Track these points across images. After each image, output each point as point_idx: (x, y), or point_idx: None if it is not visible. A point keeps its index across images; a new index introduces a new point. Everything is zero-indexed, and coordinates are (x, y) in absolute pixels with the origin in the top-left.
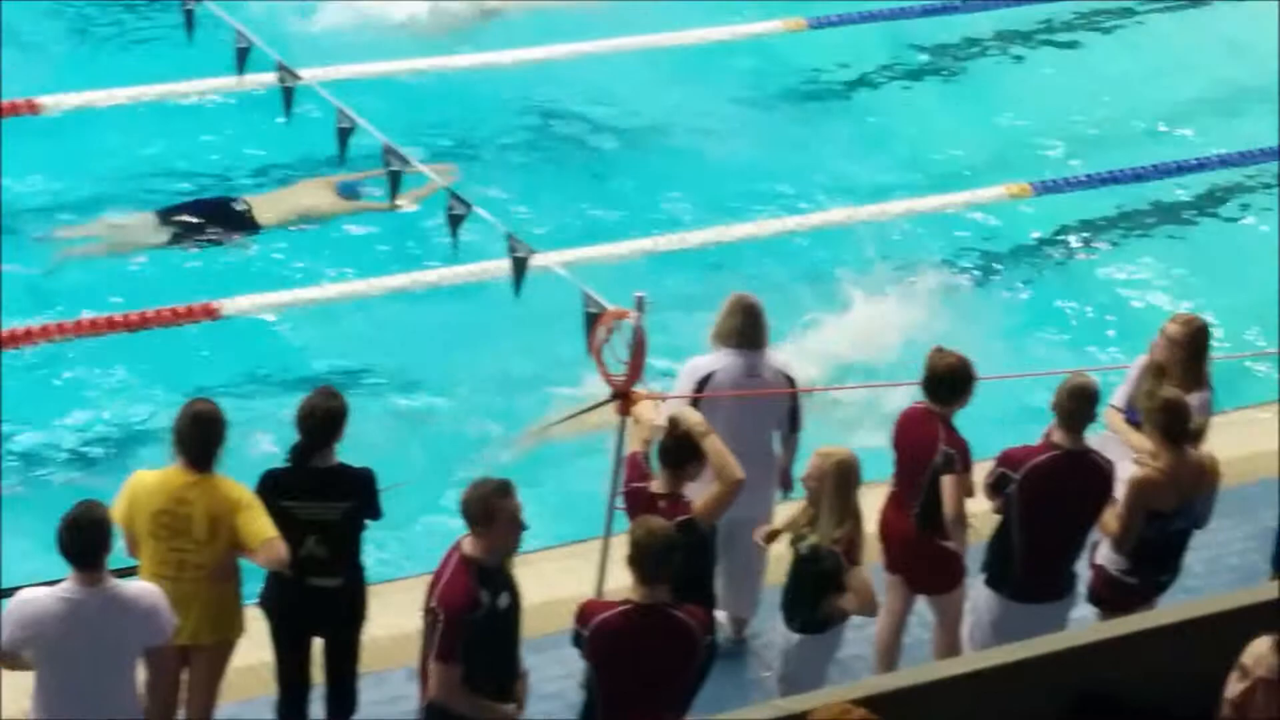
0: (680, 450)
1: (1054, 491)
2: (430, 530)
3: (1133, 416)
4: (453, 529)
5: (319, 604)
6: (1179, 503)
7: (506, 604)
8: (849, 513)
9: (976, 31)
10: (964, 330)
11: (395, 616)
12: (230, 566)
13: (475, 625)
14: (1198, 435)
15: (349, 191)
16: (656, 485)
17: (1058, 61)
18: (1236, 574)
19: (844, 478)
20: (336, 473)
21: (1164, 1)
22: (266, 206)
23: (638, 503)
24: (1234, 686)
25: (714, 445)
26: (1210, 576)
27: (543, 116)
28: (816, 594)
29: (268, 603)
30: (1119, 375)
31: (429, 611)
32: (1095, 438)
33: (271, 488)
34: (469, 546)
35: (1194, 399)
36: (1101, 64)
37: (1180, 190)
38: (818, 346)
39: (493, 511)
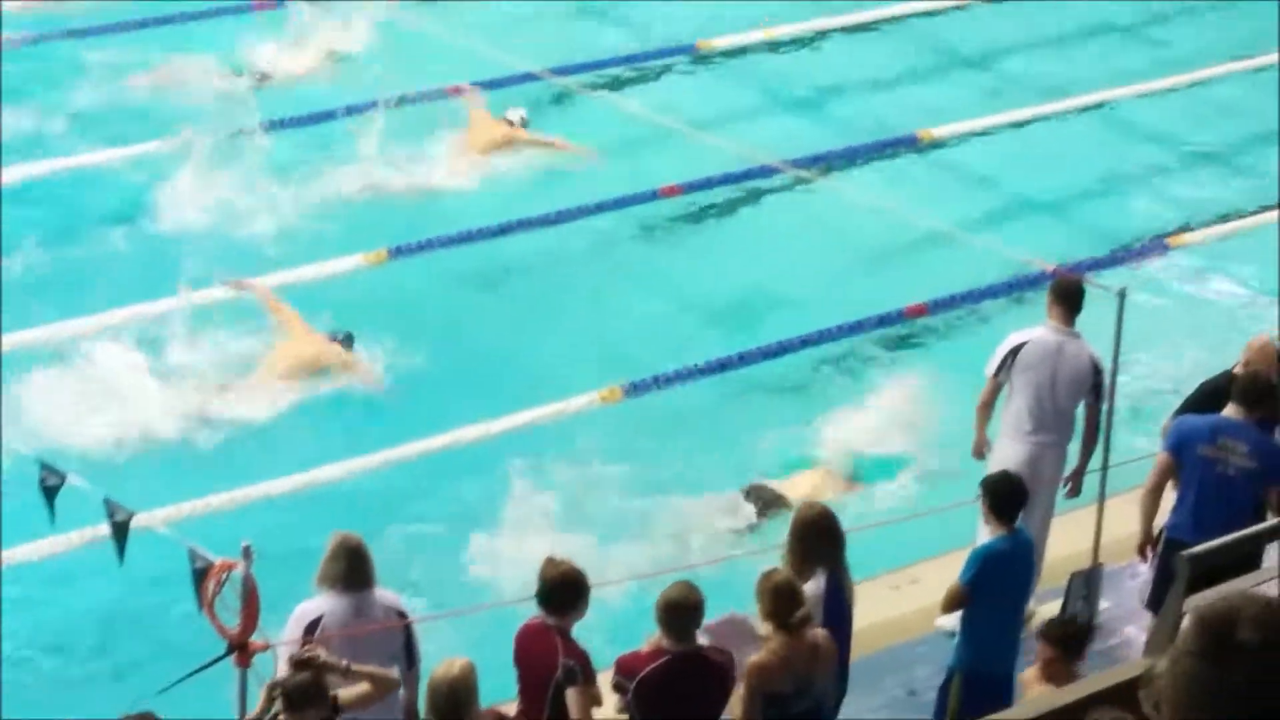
0: (300, 694)
1: (669, 697)
2: None
3: None
4: None
5: None
6: (796, 683)
7: None
8: None
9: (551, 247)
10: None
11: None
12: None
13: None
14: (806, 619)
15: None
16: None
17: (646, 264)
18: None
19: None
20: None
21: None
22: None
23: None
24: None
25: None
26: None
27: None
28: None
29: None
30: None
31: None
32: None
33: None
34: None
35: (810, 586)
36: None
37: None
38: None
39: None
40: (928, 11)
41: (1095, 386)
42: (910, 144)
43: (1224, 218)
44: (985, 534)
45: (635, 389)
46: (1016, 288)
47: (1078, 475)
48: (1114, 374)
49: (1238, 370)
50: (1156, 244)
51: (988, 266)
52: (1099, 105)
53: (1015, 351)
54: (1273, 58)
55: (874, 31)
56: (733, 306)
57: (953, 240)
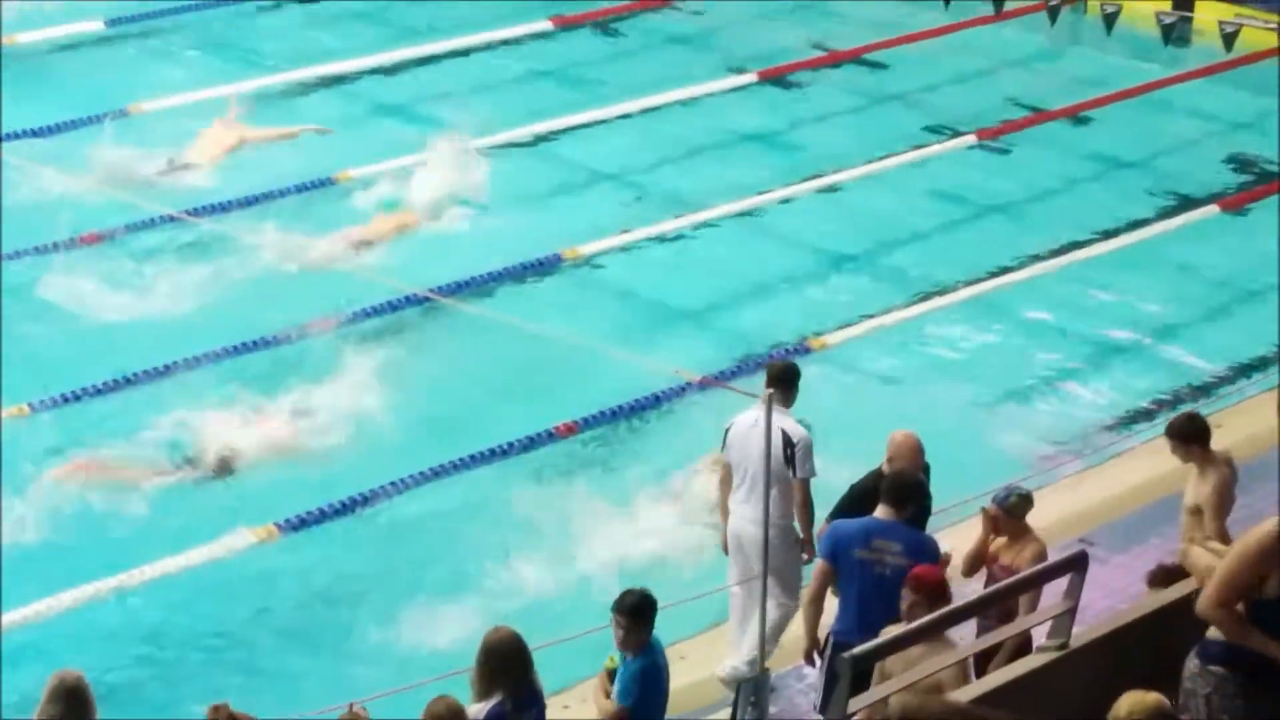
0: None
1: None
2: None
3: None
4: None
5: None
6: None
7: None
8: None
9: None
10: None
11: None
12: None
13: None
14: None
15: None
16: None
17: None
18: None
19: None
20: None
21: None
22: None
23: None
24: None
25: None
26: None
27: None
28: None
29: None
30: None
31: None
32: None
33: None
34: None
35: (473, 709)
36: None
37: None
38: None
39: None
40: (564, 129)
41: (789, 458)
42: (555, 263)
43: (865, 316)
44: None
45: (291, 526)
46: (666, 399)
47: (805, 546)
48: (766, 480)
49: (884, 468)
50: (799, 346)
51: (639, 380)
52: (736, 214)
53: (727, 431)
54: (905, 158)
55: (512, 151)
56: (390, 436)
57: (601, 356)
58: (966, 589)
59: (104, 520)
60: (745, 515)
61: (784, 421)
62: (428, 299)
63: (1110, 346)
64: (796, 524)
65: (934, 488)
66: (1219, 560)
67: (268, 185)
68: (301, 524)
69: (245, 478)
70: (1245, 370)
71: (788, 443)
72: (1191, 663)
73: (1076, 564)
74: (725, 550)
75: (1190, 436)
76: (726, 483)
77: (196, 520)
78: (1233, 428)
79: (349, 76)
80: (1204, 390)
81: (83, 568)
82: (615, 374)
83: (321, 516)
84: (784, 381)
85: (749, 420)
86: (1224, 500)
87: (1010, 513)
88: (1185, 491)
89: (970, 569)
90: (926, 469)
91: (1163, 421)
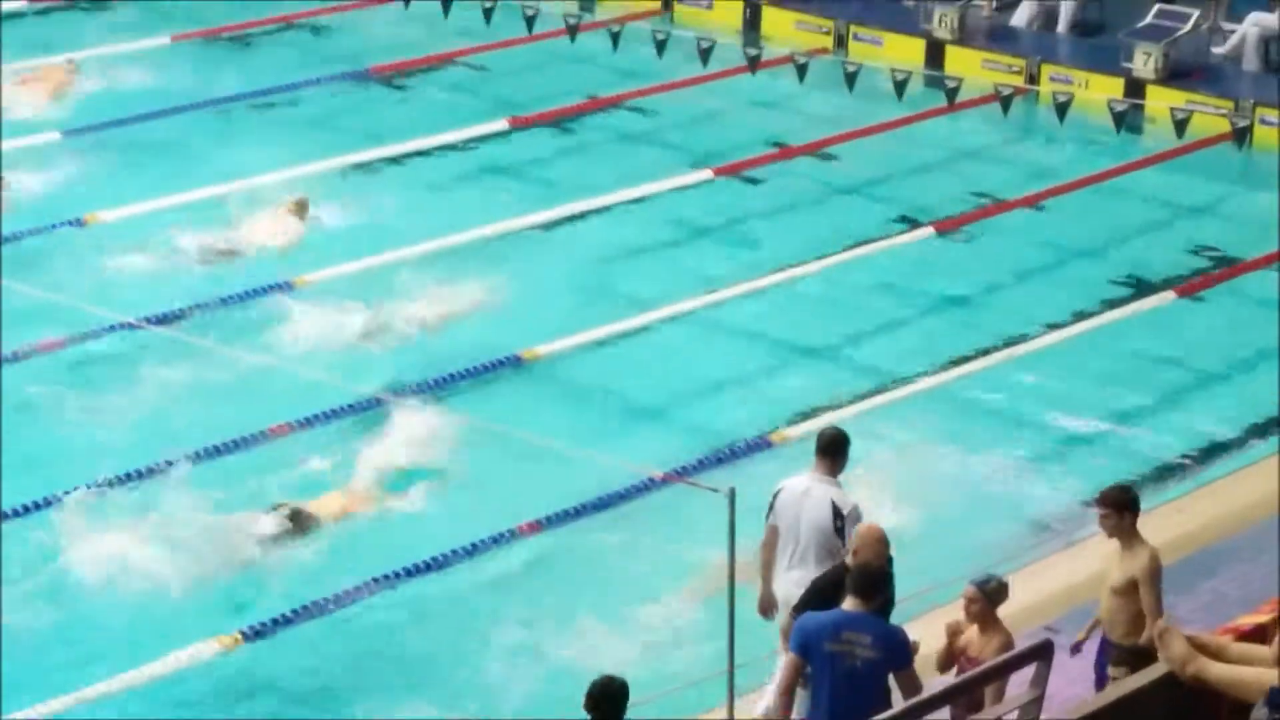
0: None
1: None
2: None
3: None
4: None
5: None
6: None
7: None
8: None
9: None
10: None
11: None
12: None
13: None
14: None
15: None
16: None
17: None
18: None
19: None
20: None
21: None
22: None
23: None
24: None
25: None
26: None
27: None
28: None
29: None
30: None
31: None
32: None
33: None
34: None
35: None
36: None
37: None
38: None
39: None
40: (521, 229)
41: (839, 530)
42: (514, 364)
43: (826, 409)
44: None
45: (257, 633)
46: (627, 497)
47: None
48: (731, 577)
49: (849, 561)
50: (761, 440)
51: (601, 478)
52: (695, 310)
53: (776, 495)
54: (863, 250)
55: (469, 250)
56: (350, 538)
57: (563, 455)
58: (934, 680)
59: (65, 629)
60: (797, 580)
61: (833, 492)
62: (385, 401)
63: (1070, 434)
64: None
65: (898, 579)
66: (1188, 646)
67: (220, 290)
68: (264, 631)
69: (206, 587)
70: (1206, 455)
71: (837, 514)
72: (1260, 712)
73: (1042, 652)
74: (760, 611)
75: (1125, 505)
76: (770, 546)
77: (159, 630)
78: (1195, 512)
79: (305, 181)
80: (1165, 476)
81: (42, 676)
82: (577, 472)
83: (285, 622)
84: (833, 450)
85: (799, 488)
86: (1160, 574)
87: (991, 597)
88: (1109, 572)
89: (944, 665)
90: (890, 561)
91: None
